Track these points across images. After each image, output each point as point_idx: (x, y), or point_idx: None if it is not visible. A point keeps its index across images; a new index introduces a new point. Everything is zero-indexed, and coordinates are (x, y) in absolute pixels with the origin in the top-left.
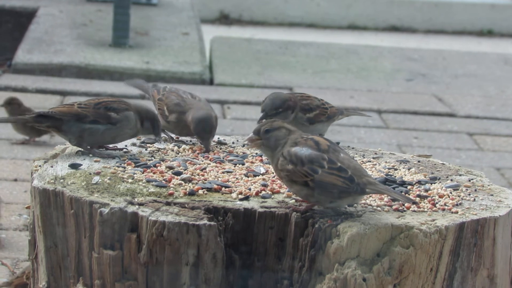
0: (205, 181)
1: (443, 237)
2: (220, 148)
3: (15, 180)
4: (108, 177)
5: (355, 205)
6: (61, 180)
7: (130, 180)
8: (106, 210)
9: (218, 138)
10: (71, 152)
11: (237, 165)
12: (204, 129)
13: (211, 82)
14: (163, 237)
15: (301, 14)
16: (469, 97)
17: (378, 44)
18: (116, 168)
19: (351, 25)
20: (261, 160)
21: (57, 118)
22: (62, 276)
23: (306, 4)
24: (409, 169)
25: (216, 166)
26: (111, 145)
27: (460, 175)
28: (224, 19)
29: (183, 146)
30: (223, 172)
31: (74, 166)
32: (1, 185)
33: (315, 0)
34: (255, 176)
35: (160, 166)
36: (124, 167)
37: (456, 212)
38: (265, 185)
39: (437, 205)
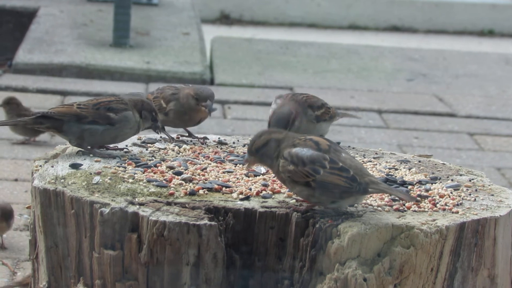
0: (206, 181)
1: (443, 237)
2: (221, 148)
3: (16, 180)
4: (109, 177)
5: (356, 205)
6: (62, 180)
7: (130, 180)
8: (106, 210)
9: (219, 138)
10: (71, 152)
11: (238, 165)
12: (203, 92)
13: (211, 82)
14: (164, 237)
15: (301, 14)
16: (469, 97)
17: (379, 44)
18: (117, 168)
19: (351, 25)
20: None
21: (57, 118)
22: (62, 276)
23: (306, 4)
24: (409, 169)
25: (217, 166)
26: (111, 145)
27: (460, 175)
28: (225, 19)
29: (184, 146)
30: (223, 172)
31: (75, 166)
32: (2, 185)
33: (316, 0)
34: (255, 176)
35: (161, 166)
36: (125, 167)
37: (457, 212)
38: (265, 185)
39: (437, 205)
